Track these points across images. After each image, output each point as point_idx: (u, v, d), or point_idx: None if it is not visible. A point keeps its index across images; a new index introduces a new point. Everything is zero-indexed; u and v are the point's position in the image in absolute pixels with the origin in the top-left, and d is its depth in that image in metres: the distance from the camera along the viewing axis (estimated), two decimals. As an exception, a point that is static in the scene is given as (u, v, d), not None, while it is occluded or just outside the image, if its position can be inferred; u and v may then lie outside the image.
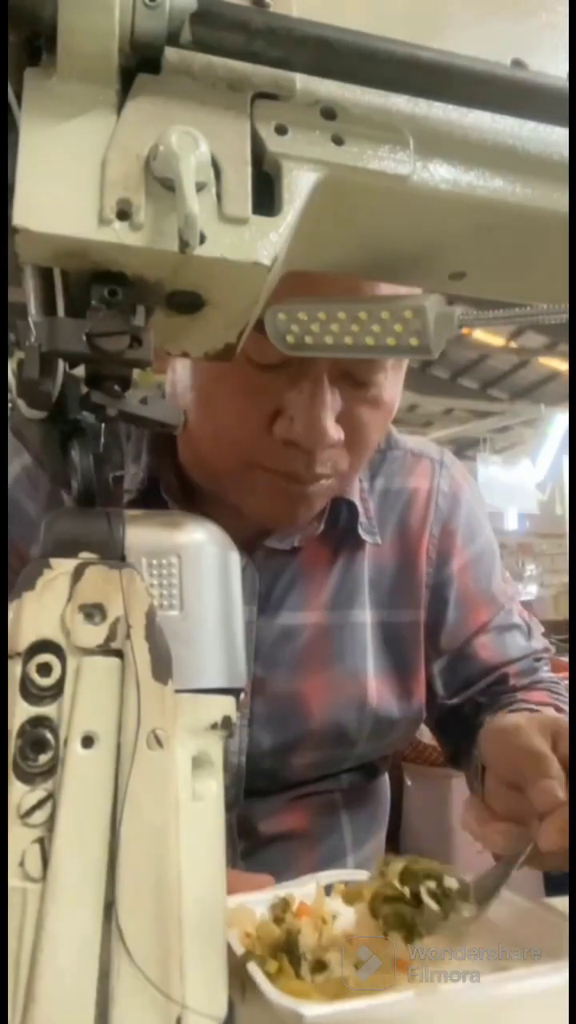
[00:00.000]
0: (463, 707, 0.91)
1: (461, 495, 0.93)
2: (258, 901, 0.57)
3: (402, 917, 0.50)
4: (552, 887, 1.31)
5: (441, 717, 0.93)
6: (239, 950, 0.48)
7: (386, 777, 0.98)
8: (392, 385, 0.74)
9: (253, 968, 0.46)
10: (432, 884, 0.51)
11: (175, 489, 0.81)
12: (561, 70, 0.41)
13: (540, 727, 0.63)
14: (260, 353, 0.66)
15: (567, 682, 0.93)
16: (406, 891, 0.50)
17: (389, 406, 0.74)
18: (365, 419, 0.72)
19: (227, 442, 0.73)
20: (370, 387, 0.71)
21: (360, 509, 0.85)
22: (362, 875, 0.63)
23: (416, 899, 0.50)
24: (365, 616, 0.86)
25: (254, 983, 0.45)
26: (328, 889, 0.59)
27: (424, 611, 0.89)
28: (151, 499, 0.79)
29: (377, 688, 0.85)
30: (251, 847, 0.84)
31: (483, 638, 0.91)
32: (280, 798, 0.85)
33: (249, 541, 0.81)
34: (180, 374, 0.75)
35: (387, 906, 0.51)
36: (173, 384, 0.77)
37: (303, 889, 0.59)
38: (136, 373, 0.37)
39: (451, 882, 0.51)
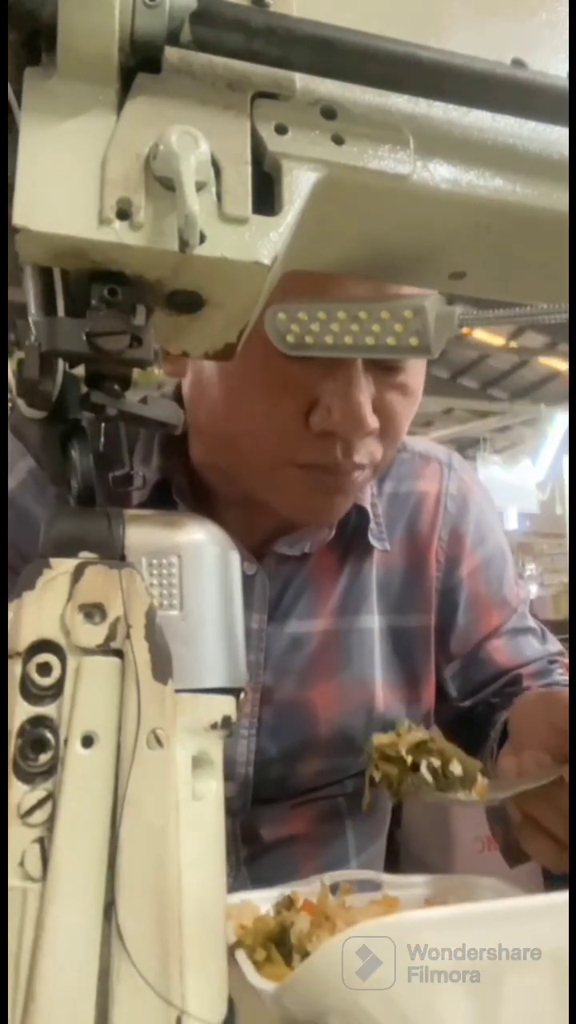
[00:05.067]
0: (476, 709, 0.90)
1: (470, 498, 0.92)
2: (263, 899, 0.57)
3: (389, 778, 0.52)
4: (552, 887, 1.31)
5: (454, 720, 0.92)
6: (231, 940, 0.48)
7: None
8: (418, 372, 0.73)
9: (240, 955, 0.46)
10: (436, 762, 0.53)
11: (186, 491, 0.80)
12: (561, 70, 0.41)
13: None
14: None
15: None
16: (408, 758, 0.53)
17: (416, 394, 0.74)
18: (396, 407, 0.72)
19: (259, 440, 0.71)
20: (400, 372, 0.71)
21: (370, 515, 0.84)
22: (368, 875, 0.64)
23: (415, 768, 0.53)
24: (373, 621, 0.86)
25: (238, 969, 0.45)
26: (334, 888, 0.59)
27: (434, 615, 0.89)
28: (162, 502, 0.78)
29: (384, 694, 0.85)
30: (255, 852, 0.83)
31: (496, 642, 0.91)
32: (285, 804, 0.85)
33: (260, 547, 0.80)
34: (206, 373, 0.73)
35: (384, 763, 0.53)
36: (198, 384, 0.75)
37: (309, 888, 0.60)
38: (136, 373, 0.37)
39: (456, 768, 0.53)
